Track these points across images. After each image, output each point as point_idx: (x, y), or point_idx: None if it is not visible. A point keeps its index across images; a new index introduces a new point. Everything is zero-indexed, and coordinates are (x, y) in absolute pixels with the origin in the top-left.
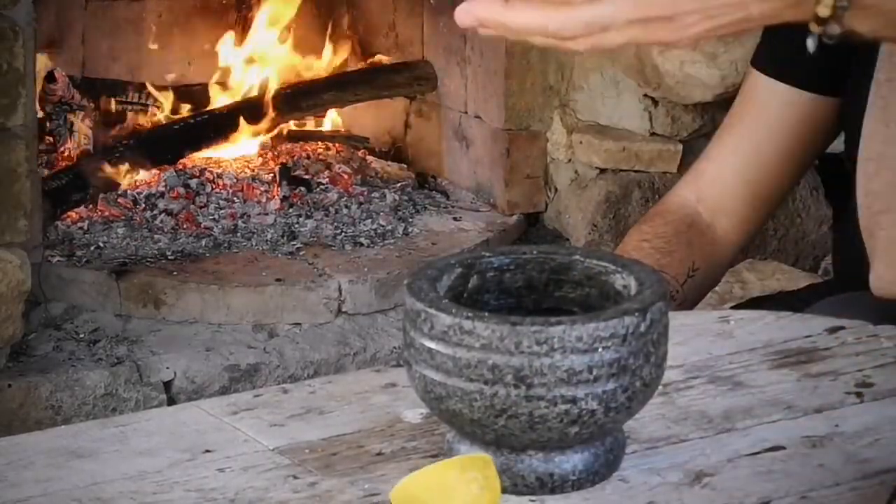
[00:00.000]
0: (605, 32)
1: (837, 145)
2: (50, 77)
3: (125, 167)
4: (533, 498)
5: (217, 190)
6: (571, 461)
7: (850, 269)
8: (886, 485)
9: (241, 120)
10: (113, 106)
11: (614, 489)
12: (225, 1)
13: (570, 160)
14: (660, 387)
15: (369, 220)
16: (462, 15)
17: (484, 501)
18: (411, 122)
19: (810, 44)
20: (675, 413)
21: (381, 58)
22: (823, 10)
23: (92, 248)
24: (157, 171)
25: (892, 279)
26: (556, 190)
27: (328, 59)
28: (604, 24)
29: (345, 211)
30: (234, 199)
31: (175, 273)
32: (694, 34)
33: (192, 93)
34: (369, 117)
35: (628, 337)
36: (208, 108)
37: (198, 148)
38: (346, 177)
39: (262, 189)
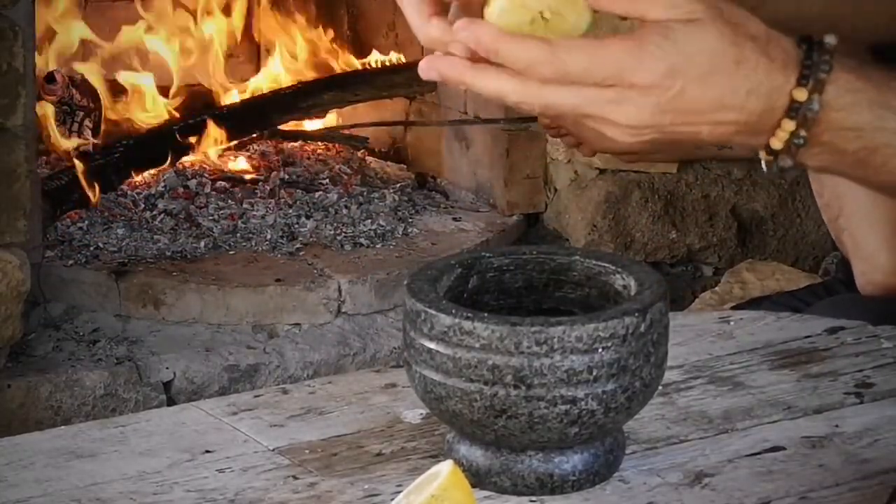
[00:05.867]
0: (561, 115)
1: None
2: (50, 77)
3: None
4: (533, 498)
5: (216, 190)
6: (571, 461)
7: (850, 270)
8: (886, 485)
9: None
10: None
11: (614, 490)
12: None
13: (569, 160)
14: (660, 387)
15: (369, 221)
16: (426, 68)
17: None
18: None
19: (764, 168)
20: (675, 413)
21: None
22: (776, 144)
23: (92, 249)
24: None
25: (870, 271)
26: (555, 190)
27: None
28: (559, 110)
29: (345, 211)
30: (234, 199)
31: (175, 273)
32: (640, 142)
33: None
34: (369, 117)
35: (628, 337)
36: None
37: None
38: (345, 177)
39: (262, 189)
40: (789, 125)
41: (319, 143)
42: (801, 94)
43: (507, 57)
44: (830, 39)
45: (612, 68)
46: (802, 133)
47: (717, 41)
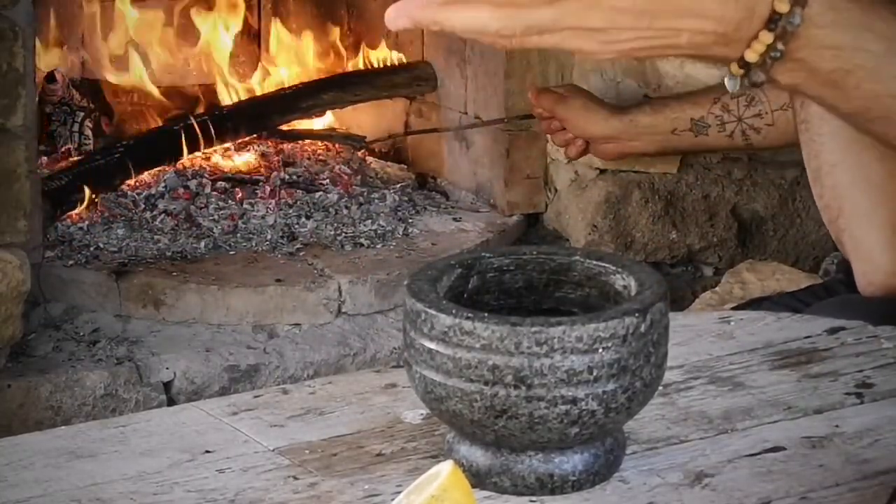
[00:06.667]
0: (541, 35)
1: None
2: (50, 77)
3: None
4: (533, 499)
5: (216, 191)
6: (571, 462)
7: (850, 270)
8: (886, 485)
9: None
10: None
11: (614, 490)
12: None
13: (569, 161)
14: (660, 387)
15: (369, 221)
16: (394, 16)
17: None
18: (411, 123)
19: (729, 85)
20: (676, 414)
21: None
22: (752, 56)
23: (92, 249)
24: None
25: (870, 272)
26: (555, 190)
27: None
28: (542, 28)
29: (345, 211)
30: (234, 199)
31: (175, 273)
32: (621, 50)
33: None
34: (369, 117)
35: (628, 337)
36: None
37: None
38: (345, 177)
39: (262, 189)
40: (767, 37)
41: (319, 143)
42: (783, 6)
43: None
44: None
45: None
46: (780, 46)
47: None
